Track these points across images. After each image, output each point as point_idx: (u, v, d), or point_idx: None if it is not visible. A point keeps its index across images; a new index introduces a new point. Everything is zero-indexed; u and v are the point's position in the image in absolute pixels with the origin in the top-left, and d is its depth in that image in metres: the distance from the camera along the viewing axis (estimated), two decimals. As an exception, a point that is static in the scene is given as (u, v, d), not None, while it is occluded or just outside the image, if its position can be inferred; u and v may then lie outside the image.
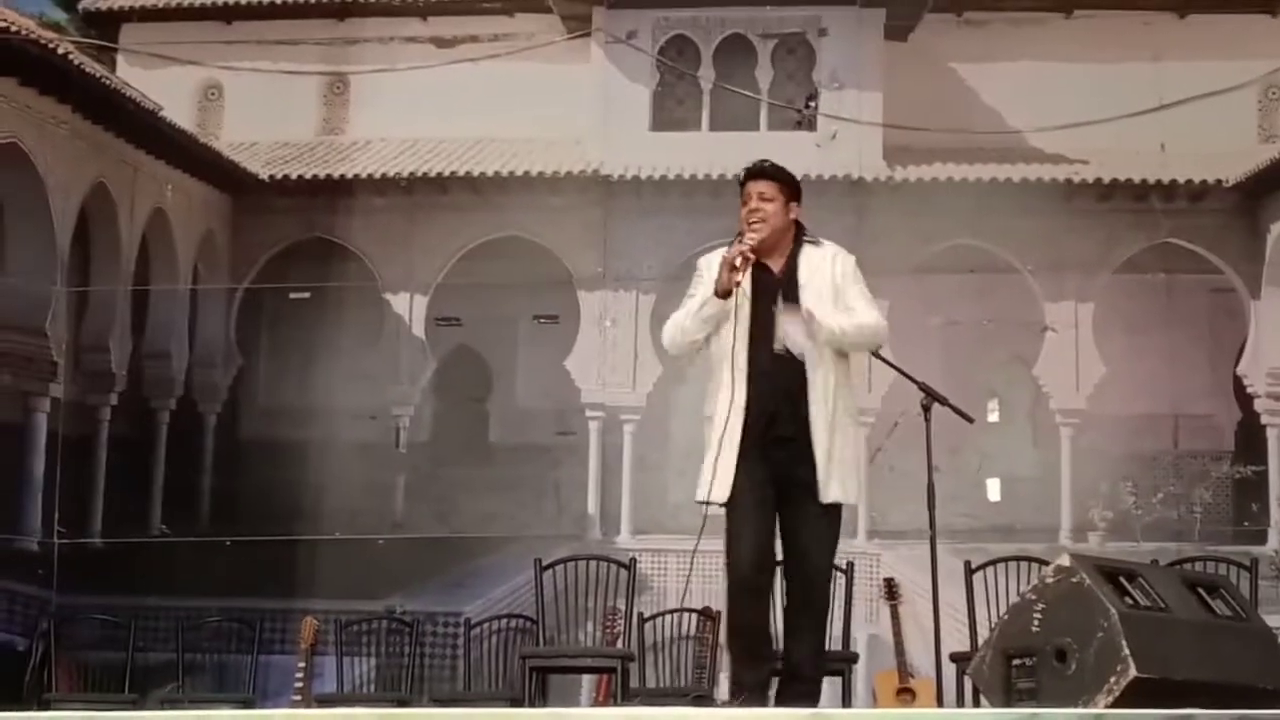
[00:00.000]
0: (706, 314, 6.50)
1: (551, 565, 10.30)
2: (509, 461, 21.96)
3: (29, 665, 14.09)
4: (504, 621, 12.85)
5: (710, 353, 6.65)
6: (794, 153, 19.79)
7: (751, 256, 6.33)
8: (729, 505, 6.56)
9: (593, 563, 10.74)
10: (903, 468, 19.48)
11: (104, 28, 22.96)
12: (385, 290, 21.10)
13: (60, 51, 16.43)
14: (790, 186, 6.54)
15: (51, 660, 13.75)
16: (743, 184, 6.57)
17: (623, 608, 10.51)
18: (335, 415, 21.65)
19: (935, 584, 8.27)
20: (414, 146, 21.50)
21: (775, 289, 6.48)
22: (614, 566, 10.58)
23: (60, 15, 29.06)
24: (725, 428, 6.40)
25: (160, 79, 20.86)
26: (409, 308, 20.93)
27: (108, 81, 17.74)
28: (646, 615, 12.50)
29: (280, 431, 22.50)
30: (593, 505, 20.29)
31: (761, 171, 6.52)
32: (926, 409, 8.22)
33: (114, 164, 18.25)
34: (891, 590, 12.42)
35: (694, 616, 12.83)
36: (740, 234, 6.51)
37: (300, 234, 21.21)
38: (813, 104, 20.29)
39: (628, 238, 20.51)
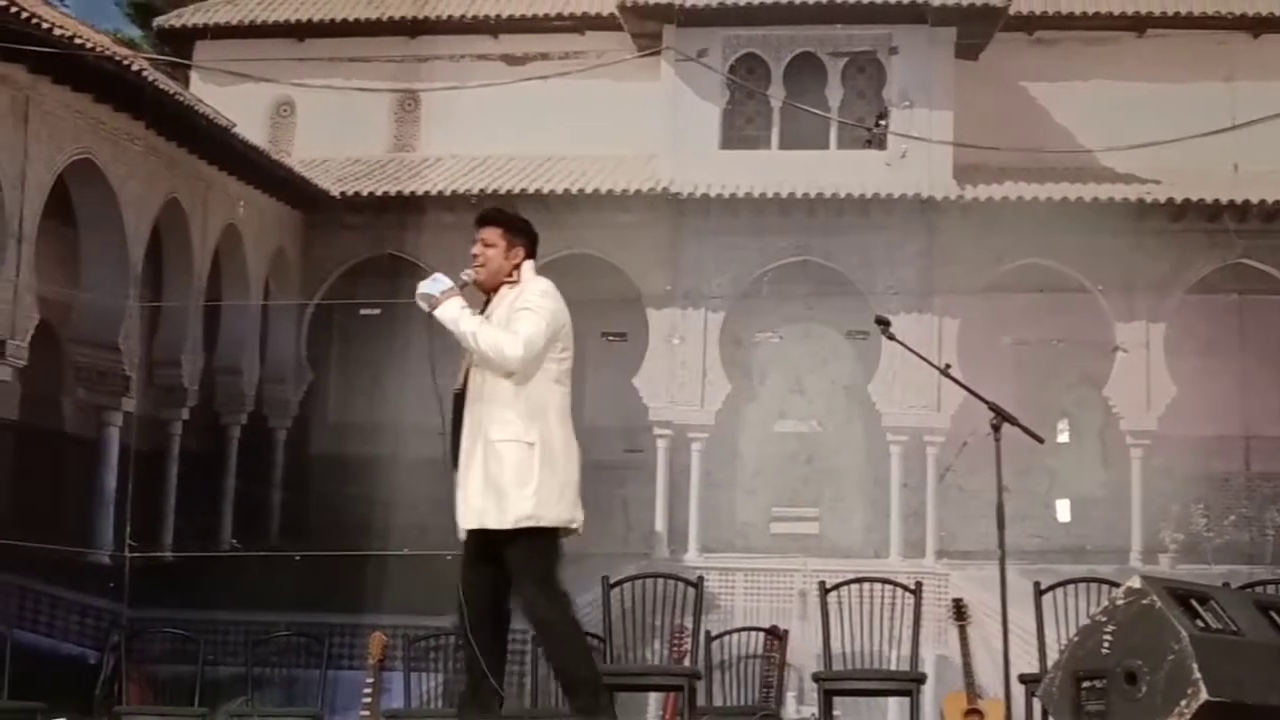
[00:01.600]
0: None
1: (619, 583, 10.30)
2: (577, 478, 21.98)
3: (100, 678, 14.18)
4: (571, 639, 12.76)
5: None
6: (864, 171, 19.82)
7: (427, 308, 6.69)
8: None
9: (660, 580, 10.74)
10: (971, 488, 19.42)
11: (178, 44, 23.12)
12: (455, 307, 21.12)
13: (134, 68, 16.54)
14: (513, 230, 6.68)
15: (122, 673, 13.84)
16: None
17: (690, 625, 10.49)
18: (404, 431, 21.70)
19: (1004, 605, 8.23)
20: (484, 164, 21.57)
21: None
22: (681, 584, 10.57)
23: (135, 32, 29.28)
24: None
25: (233, 95, 20.99)
26: (478, 324, 20.95)
27: (181, 98, 17.87)
28: (714, 633, 12.48)
29: (349, 447, 22.58)
30: (660, 523, 20.28)
31: (485, 218, 6.72)
32: (996, 429, 8.17)
33: (187, 180, 18.37)
34: (960, 611, 12.34)
35: (761, 635, 12.81)
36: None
37: (370, 251, 21.30)
38: (883, 122, 20.23)
39: (697, 256, 20.51)
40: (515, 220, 6.81)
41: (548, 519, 6.55)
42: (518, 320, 6.58)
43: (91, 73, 15.58)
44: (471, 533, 6.52)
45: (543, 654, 6.74)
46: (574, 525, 6.65)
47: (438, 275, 6.49)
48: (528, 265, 6.75)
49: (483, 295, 6.73)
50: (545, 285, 6.68)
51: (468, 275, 6.60)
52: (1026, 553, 15.50)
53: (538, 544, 6.57)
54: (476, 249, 6.72)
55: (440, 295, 6.51)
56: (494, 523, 6.40)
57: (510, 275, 6.64)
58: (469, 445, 6.40)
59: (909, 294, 19.40)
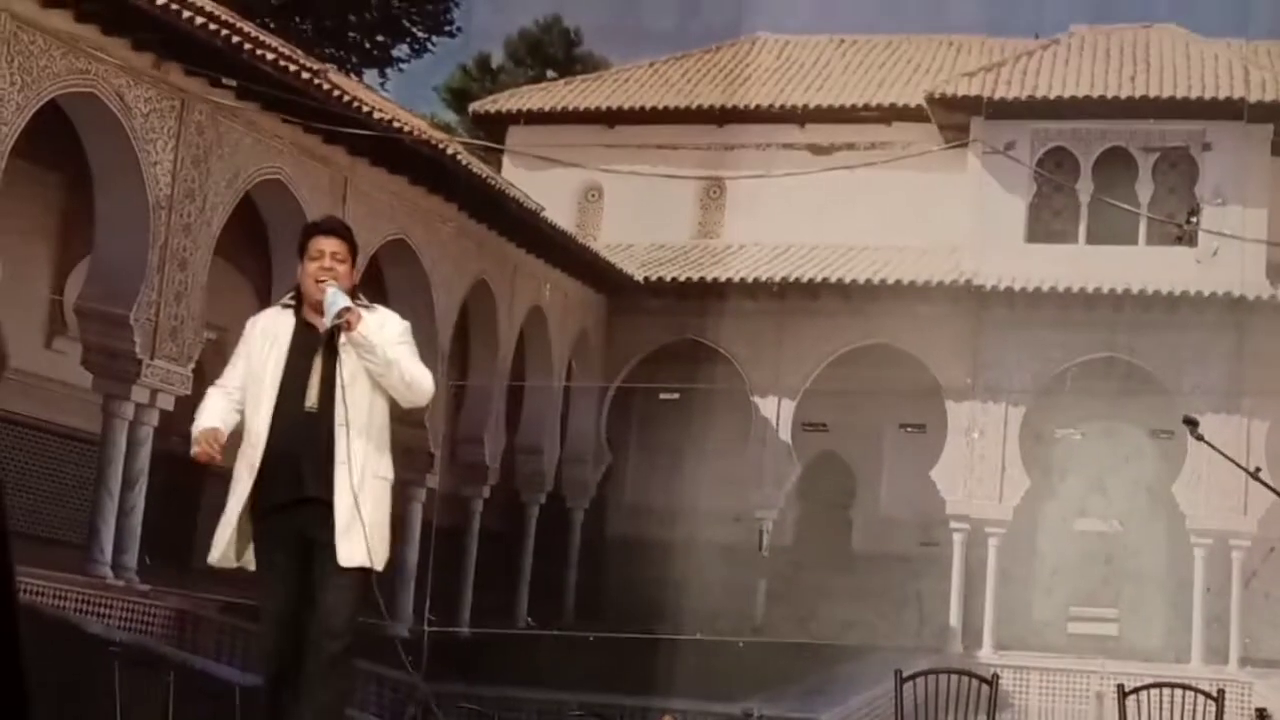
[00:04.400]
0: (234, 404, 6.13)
1: (912, 677, 10.17)
2: (871, 570, 21.87)
3: (395, 748, 14.37)
4: (862, 731, 12.73)
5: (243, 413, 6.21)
6: (1173, 268, 19.50)
7: (340, 325, 5.96)
8: (257, 570, 6.10)
9: (954, 676, 10.57)
10: (1278, 595, 18.93)
11: (491, 129, 23.70)
12: (753, 393, 21.25)
13: (449, 152, 16.91)
14: (355, 248, 6.18)
15: (417, 745, 14.01)
16: (306, 239, 6.13)
17: (983, 724, 10.32)
18: (699, 516, 21.82)
19: (1312, 717, 7.98)
20: (787, 252, 21.67)
21: (316, 347, 6.03)
22: (975, 681, 10.41)
23: (450, 116, 30.12)
24: (240, 488, 6.00)
25: (543, 180, 21.39)
26: (776, 412, 21.04)
27: (493, 182, 18.22)
28: (1007, 733, 12.27)
29: (645, 530, 22.76)
30: (955, 618, 20.08)
31: (334, 230, 6.09)
32: (1307, 535, 7.94)
33: (495, 262, 18.70)
34: (1264, 721, 11.98)
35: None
36: (296, 291, 6.06)
37: (671, 336, 21.51)
38: (1194, 219, 19.90)
39: (998, 349, 20.34)
40: (353, 234, 6.32)
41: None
42: (408, 355, 6.20)
43: (408, 155, 15.96)
44: (283, 575, 5.99)
45: (313, 696, 6.06)
46: None
47: (335, 289, 5.97)
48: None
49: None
50: (406, 323, 6.30)
51: (342, 304, 6.10)
52: (1336, 663, 15.04)
53: (363, 588, 6.21)
54: (327, 263, 6.12)
55: (353, 312, 6.04)
56: (376, 563, 6.04)
57: (358, 297, 6.19)
58: (348, 477, 5.92)
59: (1216, 394, 19.01)
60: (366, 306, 5.94)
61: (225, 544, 5.71)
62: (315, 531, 5.70)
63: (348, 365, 5.75)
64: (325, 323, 5.69)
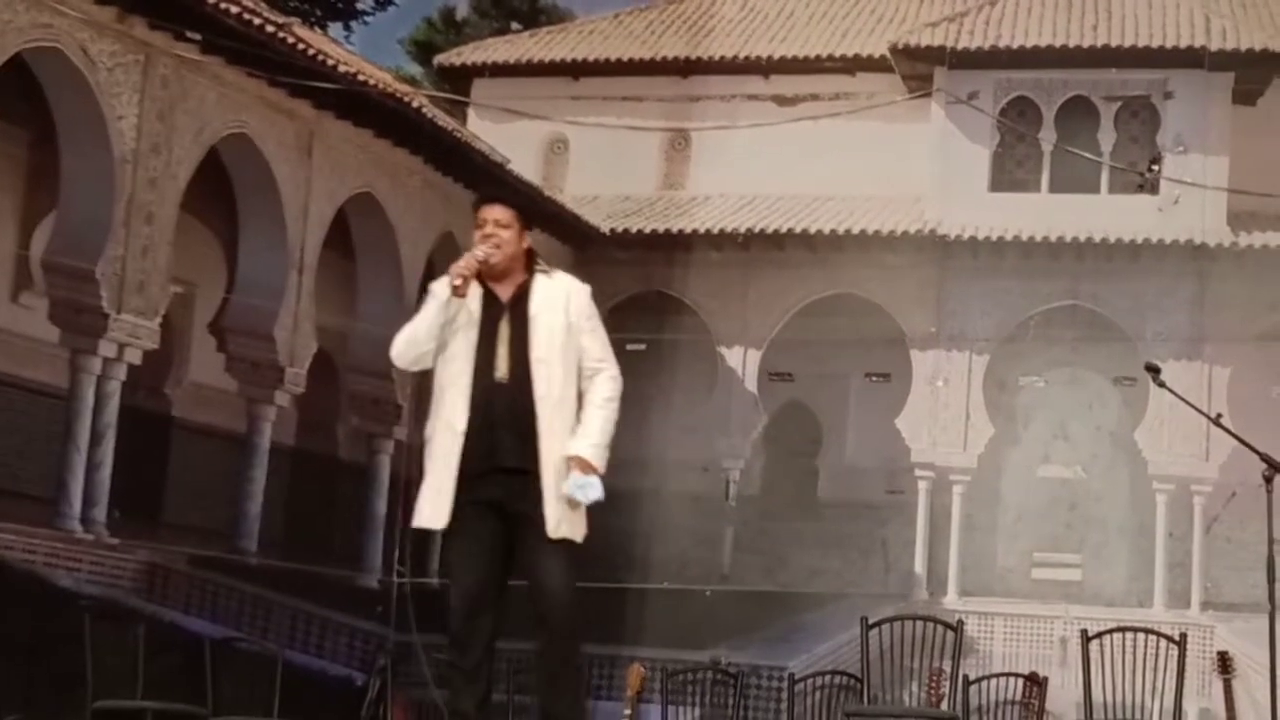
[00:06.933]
0: (440, 320, 6.14)
1: (878, 624, 10.24)
2: (837, 518, 21.99)
3: (366, 699, 14.45)
4: (828, 678, 12.79)
5: (436, 375, 6.28)
6: (1135, 216, 19.59)
7: (475, 267, 6.00)
8: (447, 533, 6.18)
9: (919, 623, 10.65)
10: (1239, 539, 19.06)
11: (456, 82, 23.64)
12: (719, 344, 21.33)
13: (415, 105, 16.90)
14: (525, 215, 6.26)
15: (388, 696, 14.07)
16: (476, 211, 6.25)
17: (948, 669, 10.42)
18: (667, 466, 21.88)
19: (1274, 659, 8.08)
20: (752, 203, 21.71)
21: (500, 316, 6.13)
22: (940, 627, 10.49)
23: (415, 69, 30.02)
24: (443, 452, 6.08)
25: (509, 132, 21.38)
26: (742, 362, 21.11)
27: (458, 134, 18.19)
28: (972, 678, 12.37)
29: (613, 480, 22.68)
30: (920, 565, 20.22)
31: (497, 198, 6.22)
32: (1268, 480, 8.01)
33: (461, 215, 18.57)
34: (1225, 664, 12.08)
35: (1020, 681, 12.68)
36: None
37: (638, 287, 21.53)
38: (1155, 167, 19.99)
39: (962, 298, 20.44)
40: (522, 202, 6.41)
41: None
42: (597, 341, 6.27)
43: (373, 109, 15.96)
44: (477, 536, 6.06)
45: (555, 672, 6.17)
46: None
47: (596, 487, 6.10)
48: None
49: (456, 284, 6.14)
50: (587, 290, 6.33)
51: (482, 253, 6.16)
52: (1295, 607, 15.13)
53: (575, 557, 6.28)
54: (489, 229, 6.21)
55: (596, 474, 6.16)
56: (570, 533, 6.12)
57: (536, 264, 6.28)
58: (549, 446, 6.00)
59: (1178, 341, 19.14)
60: (545, 272, 6.06)
61: (433, 507, 5.86)
62: (517, 504, 5.82)
63: (538, 342, 5.87)
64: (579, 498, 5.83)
